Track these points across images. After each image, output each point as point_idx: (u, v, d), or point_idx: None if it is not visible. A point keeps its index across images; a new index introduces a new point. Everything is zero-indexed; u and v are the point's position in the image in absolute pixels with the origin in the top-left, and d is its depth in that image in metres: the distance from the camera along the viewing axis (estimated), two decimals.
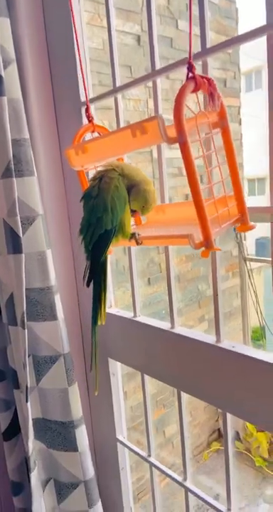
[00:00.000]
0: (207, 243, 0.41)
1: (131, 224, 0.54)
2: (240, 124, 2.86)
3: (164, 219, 0.59)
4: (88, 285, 0.56)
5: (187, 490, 0.74)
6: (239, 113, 2.86)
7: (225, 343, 0.61)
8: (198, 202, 0.40)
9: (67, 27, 0.77)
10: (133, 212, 0.54)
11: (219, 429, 3.06)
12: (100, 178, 0.52)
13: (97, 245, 0.53)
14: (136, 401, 2.25)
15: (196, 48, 0.52)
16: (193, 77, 0.40)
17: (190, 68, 0.41)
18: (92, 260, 0.54)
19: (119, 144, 0.48)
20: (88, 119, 0.60)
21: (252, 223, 0.48)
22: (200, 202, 0.40)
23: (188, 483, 0.74)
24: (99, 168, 0.56)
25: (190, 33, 0.41)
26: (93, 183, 0.53)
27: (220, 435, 3.06)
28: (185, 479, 0.74)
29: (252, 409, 0.58)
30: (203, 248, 0.42)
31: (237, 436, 3.01)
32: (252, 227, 0.48)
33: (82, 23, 0.79)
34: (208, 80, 0.42)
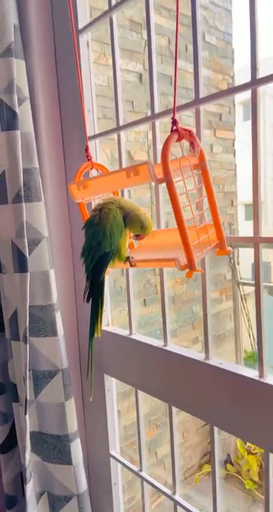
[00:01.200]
0: (190, 265, 0.48)
1: (126, 250, 0.62)
2: (234, 155, 3.01)
3: (154, 243, 0.66)
4: (88, 301, 0.63)
5: (176, 503, 0.77)
6: (233, 145, 3.01)
7: (213, 361, 0.66)
8: (182, 230, 0.47)
9: (75, 68, 0.86)
10: (137, 236, 0.62)
11: (209, 453, 3.03)
12: (100, 209, 0.60)
13: (96, 266, 0.60)
14: (130, 420, 2.26)
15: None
16: (177, 130, 0.48)
17: (174, 123, 0.49)
18: (92, 279, 0.61)
19: (116, 182, 0.57)
20: (87, 158, 0.68)
21: (229, 248, 0.55)
22: (184, 230, 0.47)
23: (177, 497, 0.77)
24: (98, 201, 0.64)
25: (174, 94, 0.49)
26: (94, 213, 0.61)
27: (210, 458, 3.02)
28: (174, 493, 0.78)
29: (237, 422, 0.63)
30: (187, 270, 0.48)
31: (229, 459, 3.00)
32: (229, 252, 0.55)
33: (90, 65, 0.88)
34: (189, 131, 0.50)
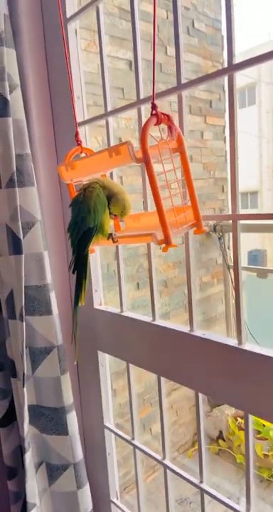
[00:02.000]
0: (166, 240, 0.52)
1: (109, 226, 0.66)
2: (225, 141, 3.05)
3: (139, 226, 0.70)
4: (73, 273, 0.68)
5: (165, 467, 0.83)
6: (223, 131, 3.04)
7: (197, 332, 0.71)
8: (159, 208, 0.51)
9: (65, 56, 0.89)
10: (114, 216, 0.67)
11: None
12: (85, 188, 0.65)
13: (81, 240, 0.65)
14: (125, 398, 2.35)
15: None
16: (156, 114, 0.52)
17: (153, 107, 0.53)
18: (77, 252, 0.66)
19: (100, 162, 0.61)
20: (77, 143, 0.72)
21: (205, 228, 0.60)
22: (160, 207, 0.51)
23: (167, 461, 0.83)
24: (84, 182, 0.68)
25: (153, 80, 0.53)
26: (80, 192, 0.66)
27: (204, 435, 3.15)
28: (164, 458, 0.83)
29: (220, 387, 0.68)
30: (164, 244, 0.53)
31: (221, 435, 3.13)
32: (204, 231, 0.60)
33: (79, 53, 0.91)
34: (167, 116, 0.54)
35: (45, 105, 0.93)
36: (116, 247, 0.89)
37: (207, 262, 3.08)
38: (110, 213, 0.66)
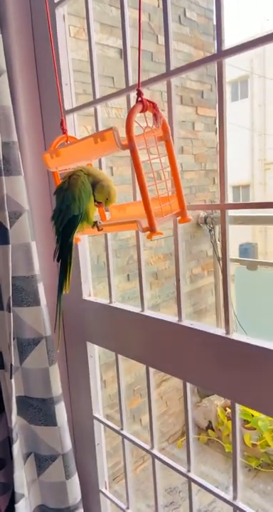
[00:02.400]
0: (151, 228, 0.52)
1: (94, 214, 0.66)
2: (216, 133, 3.03)
3: (125, 215, 0.70)
4: (58, 261, 0.67)
5: (154, 457, 0.83)
6: (215, 123, 3.03)
7: (185, 322, 0.71)
8: (144, 195, 0.51)
9: (53, 42, 0.87)
10: (98, 203, 0.66)
11: (193, 419, 3.21)
12: (69, 176, 0.64)
13: (66, 228, 0.64)
14: (115, 389, 2.37)
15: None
16: (141, 101, 0.52)
17: (139, 94, 0.52)
18: (62, 240, 0.65)
19: (85, 149, 0.60)
20: (62, 131, 0.70)
21: (189, 216, 0.59)
22: (146, 195, 0.51)
23: (155, 451, 0.83)
24: (69, 170, 0.67)
25: (138, 66, 0.52)
26: (64, 180, 0.65)
27: (194, 425, 3.22)
28: (152, 447, 0.84)
29: (207, 376, 0.68)
30: (149, 232, 0.52)
31: (210, 425, 3.18)
32: (189, 220, 0.59)
33: (66, 39, 0.89)
34: (153, 103, 0.53)
35: (33, 92, 0.91)
36: (106, 238, 0.88)
37: (197, 254, 3.09)
38: (95, 201, 0.65)
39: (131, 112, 0.50)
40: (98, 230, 0.65)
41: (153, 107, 0.53)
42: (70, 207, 0.62)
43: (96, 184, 0.64)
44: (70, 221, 0.63)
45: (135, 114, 0.50)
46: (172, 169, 0.58)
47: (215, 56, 0.58)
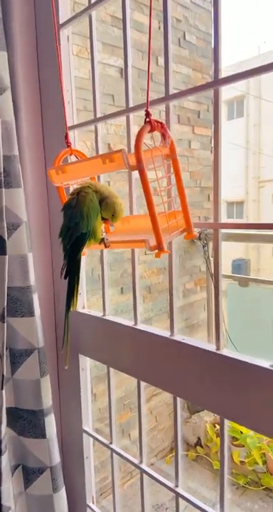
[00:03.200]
0: (159, 247, 0.53)
1: (101, 231, 0.67)
2: (212, 152, 3.12)
3: (128, 228, 0.71)
4: (65, 278, 0.67)
5: (142, 471, 0.83)
6: (211, 142, 3.11)
7: (177, 337, 0.72)
8: (152, 214, 0.52)
9: (56, 61, 0.90)
10: (104, 220, 0.67)
11: (182, 436, 3.19)
12: (78, 192, 0.65)
13: (74, 245, 0.65)
14: (105, 403, 2.35)
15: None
16: (149, 122, 0.53)
17: (147, 115, 0.54)
18: (70, 257, 0.66)
19: (92, 167, 0.61)
20: (67, 145, 0.72)
21: (195, 232, 0.61)
22: (154, 214, 0.52)
23: (144, 466, 0.83)
24: (75, 186, 0.68)
25: (147, 88, 0.54)
26: (72, 196, 0.66)
27: (183, 441, 3.20)
28: (140, 462, 0.84)
29: (198, 392, 0.69)
30: (157, 250, 0.54)
31: (199, 442, 3.16)
32: (195, 236, 0.61)
33: (70, 59, 0.92)
34: (161, 123, 0.55)
35: (35, 108, 0.94)
36: (101, 252, 0.90)
37: (191, 269, 3.12)
38: (102, 217, 0.66)
39: (140, 133, 0.51)
40: (105, 247, 0.65)
41: (162, 127, 0.55)
42: (78, 224, 0.63)
43: (102, 201, 0.65)
44: (77, 239, 0.64)
45: (144, 134, 0.52)
46: (178, 187, 0.60)
47: (211, 84, 0.61)
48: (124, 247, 0.69)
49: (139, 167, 0.50)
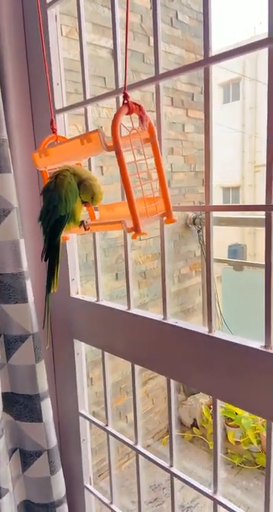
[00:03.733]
0: (135, 228, 0.53)
1: (81, 214, 0.66)
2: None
3: (113, 215, 0.71)
4: (45, 261, 0.68)
5: (138, 452, 0.85)
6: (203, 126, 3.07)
7: (170, 320, 0.73)
8: (129, 197, 0.52)
9: (45, 42, 0.87)
10: (85, 203, 0.67)
11: (178, 417, 3.27)
12: (56, 176, 0.65)
13: (53, 228, 0.65)
14: (101, 387, 2.38)
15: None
16: (127, 104, 0.53)
17: (125, 97, 0.53)
18: (49, 240, 0.66)
19: (73, 149, 0.61)
20: (52, 131, 0.71)
21: (175, 217, 0.61)
22: (131, 197, 0.52)
23: (139, 447, 0.85)
24: (55, 169, 0.68)
25: (125, 69, 0.53)
26: (51, 180, 0.66)
27: (179, 423, 3.28)
28: (136, 443, 0.85)
29: (191, 373, 0.70)
30: (133, 232, 0.54)
31: (195, 423, 3.23)
32: (174, 221, 0.61)
33: (58, 39, 0.89)
34: (139, 106, 0.54)
35: (24, 91, 0.92)
36: (94, 236, 0.89)
37: (186, 254, 3.13)
38: (82, 201, 0.66)
39: (116, 115, 0.51)
40: (85, 229, 0.65)
41: (140, 109, 0.54)
42: (56, 207, 0.63)
43: (81, 184, 0.65)
44: (56, 221, 0.64)
45: (121, 116, 0.51)
46: (158, 170, 0.59)
47: (202, 62, 0.60)
48: (102, 229, 0.69)
49: (116, 148, 0.50)
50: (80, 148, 0.55)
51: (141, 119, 0.55)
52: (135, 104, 0.53)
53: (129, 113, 0.53)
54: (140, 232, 0.52)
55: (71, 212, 0.64)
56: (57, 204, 0.63)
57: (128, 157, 0.52)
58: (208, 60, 0.59)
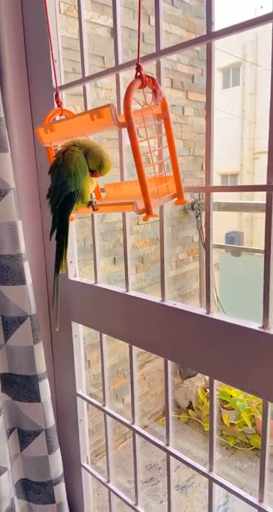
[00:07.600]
0: (147, 210, 0.52)
1: (90, 194, 0.65)
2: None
3: (120, 195, 0.69)
4: (56, 239, 0.66)
5: (134, 432, 0.86)
6: (205, 108, 3.03)
7: (168, 302, 0.73)
8: (141, 176, 0.50)
9: (43, 17, 0.85)
10: (92, 172, 0.64)
11: (174, 400, 3.32)
12: (64, 152, 0.63)
13: (62, 205, 0.63)
14: (99, 369, 2.42)
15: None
16: (140, 76, 0.51)
17: (138, 69, 0.51)
18: (59, 218, 0.64)
19: (81, 125, 0.58)
20: (57, 104, 0.69)
21: (186, 198, 0.60)
22: (143, 176, 0.50)
23: (136, 426, 0.86)
24: (62, 145, 0.66)
25: (138, 40, 0.51)
26: (58, 155, 0.63)
27: (175, 405, 3.34)
28: (133, 423, 0.86)
29: (188, 354, 0.71)
30: (145, 214, 0.52)
31: (191, 405, 3.29)
32: (186, 202, 0.60)
33: (57, 16, 0.87)
34: (152, 79, 0.52)
35: (21, 68, 0.89)
36: (92, 220, 0.88)
37: (183, 240, 3.12)
38: (89, 170, 0.63)
39: (129, 88, 0.49)
40: (93, 209, 0.64)
41: (153, 82, 0.52)
42: (66, 183, 0.61)
43: (87, 153, 0.62)
44: (66, 198, 0.62)
45: (134, 90, 0.49)
46: (170, 149, 0.57)
47: (204, 37, 0.58)
48: (112, 210, 0.67)
49: (128, 124, 0.48)
50: (89, 124, 0.53)
51: (155, 93, 0.52)
52: (148, 76, 0.51)
53: (142, 86, 0.51)
54: (151, 214, 0.51)
55: (80, 190, 0.62)
56: (66, 179, 0.61)
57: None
58: (211, 35, 0.57)
